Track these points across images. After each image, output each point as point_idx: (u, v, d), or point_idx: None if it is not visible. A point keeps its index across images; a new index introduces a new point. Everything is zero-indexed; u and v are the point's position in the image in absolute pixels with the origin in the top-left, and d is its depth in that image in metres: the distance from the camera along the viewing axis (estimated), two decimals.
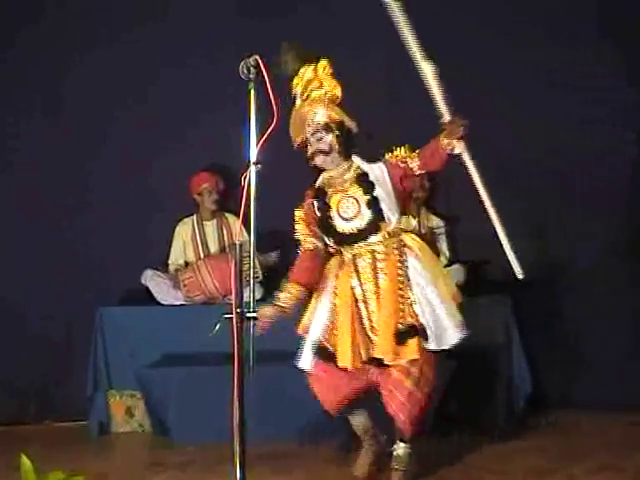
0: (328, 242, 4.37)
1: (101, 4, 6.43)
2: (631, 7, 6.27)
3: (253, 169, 3.26)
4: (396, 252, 4.26)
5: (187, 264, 6.23)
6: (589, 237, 6.47)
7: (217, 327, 3.33)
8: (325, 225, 4.33)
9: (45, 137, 6.34)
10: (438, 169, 4.35)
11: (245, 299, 3.20)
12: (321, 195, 4.36)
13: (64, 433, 5.90)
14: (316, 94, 4.31)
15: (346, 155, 4.36)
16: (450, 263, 6.39)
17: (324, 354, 4.26)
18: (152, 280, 6.10)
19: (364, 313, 4.25)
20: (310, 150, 4.35)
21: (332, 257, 4.42)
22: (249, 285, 3.27)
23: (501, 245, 4.17)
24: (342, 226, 4.30)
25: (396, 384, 4.19)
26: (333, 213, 4.31)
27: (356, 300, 4.26)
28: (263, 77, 3.25)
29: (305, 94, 4.32)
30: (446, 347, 4.28)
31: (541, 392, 6.14)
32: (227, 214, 6.35)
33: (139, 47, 6.36)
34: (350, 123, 4.32)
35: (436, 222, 6.47)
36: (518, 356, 6.01)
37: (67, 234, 6.30)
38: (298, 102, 4.36)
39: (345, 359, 4.20)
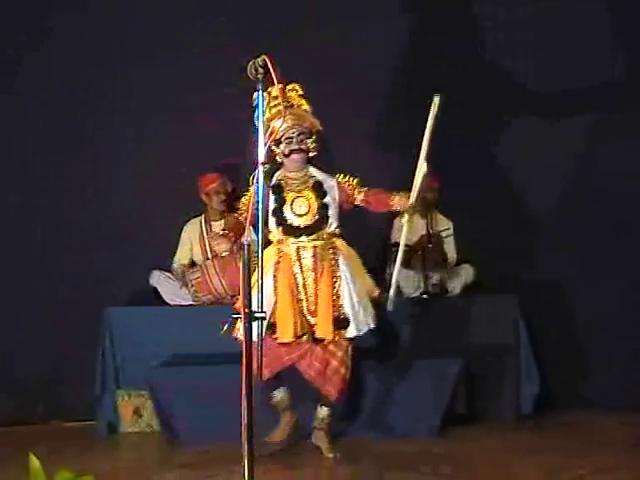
0: (275, 231, 4.99)
1: None
2: None
3: (261, 169, 3.25)
4: (330, 251, 4.99)
5: (194, 264, 6.24)
6: (599, 236, 6.47)
7: (226, 327, 3.34)
8: (278, 215, 4.98)
9: (55, 136, 6.34)
10: (374, 212, 5.21)
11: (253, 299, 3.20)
12: (278, 191, 5.01)
13: (72, 433, 5.90)
14: (303, 107, 5.04)
15: (305, 164, 5.08)
16: (458, 263, 6.39)
17: (268, 327, 4.73)
18: (160, 280, 6.11)
19: (302, 296, 4.94)
20: (289, 148, 4.99)
21: (268, 249, 5.02)
22: (257, 285, 3.26)
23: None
24: (292, 219, 4.98)
25: (325, 363, 4.94)
26: (286, 207, 4.99)
27: (297, 285, 4.94)
28: (271, 77, 3.24)
29: (283, 105, 4.96)
30: (359, 334, 4.98)
31: (549, 391, 6.13)
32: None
33: (145, 45, 6.38)
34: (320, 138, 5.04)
35: (444, 223, 6.47)
36: (526, 355, 6.00)
37: (75, 234, 6.30)
38: (274, 111, 4.93)
39: (287, 333, 4.85)
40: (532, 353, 6.01)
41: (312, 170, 5.06)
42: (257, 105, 3.34)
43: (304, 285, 4.94)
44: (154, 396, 5.65)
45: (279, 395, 5.12)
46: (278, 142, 4.97)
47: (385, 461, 4.91)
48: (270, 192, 4.98)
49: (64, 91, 6.34)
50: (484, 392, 5.87)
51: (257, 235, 3.27)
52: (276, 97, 4.90)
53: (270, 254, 4.99)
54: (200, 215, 6.35)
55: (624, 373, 6.31)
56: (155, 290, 6.11)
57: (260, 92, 3.27)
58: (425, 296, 6.20)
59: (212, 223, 6.32)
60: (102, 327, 5.84)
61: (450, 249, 6.43)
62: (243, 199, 5.10)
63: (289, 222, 4.96)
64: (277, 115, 4.88)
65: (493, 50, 6.67)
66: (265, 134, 4.71)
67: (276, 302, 4.88)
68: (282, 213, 4.97)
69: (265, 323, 4.54)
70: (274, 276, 4.94)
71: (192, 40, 6.40)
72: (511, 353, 5.99)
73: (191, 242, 6.31)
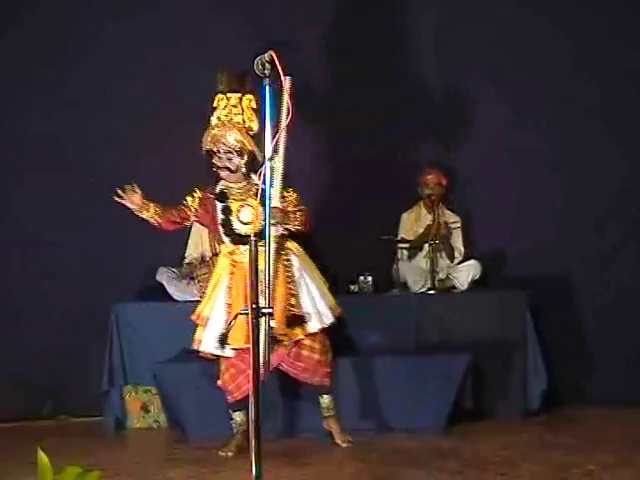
0: (225, 241, 5.06)
1: None
2: None
3: (268, 164, 3.25)
4: (282, 252, 5.00)
5: (203, 258, 6.22)
6: (606, 232, 6.47)
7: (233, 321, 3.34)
8: (226, 226, 5.03)
9: (67, 131, 6.35)
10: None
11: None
12: (223, 199, 5.05)
13: (80, 429, 5.91)
14: (237, 120, 5.00)
15: (247, 175, 5.05)
16: (465, 258, 6.38)
17: (224, 340, 4.85)
18: (166, 277, 6.11)
19: None
20: (219, 164, 5.02)
21: (220, 259, 5.14)
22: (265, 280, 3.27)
23: None
24: (240, 228, 4.99)
25: (307, 359, 5.03)
26: (233, 217, 5.02)
27: None
28: (278, 73, 3.24)
29: (228, 116, 5.00)
30: (326, 325, 5.05)
31: (556, 388, 6.12)
32: None
33: (148, 43, 6.40)
34: (258, 153, 4.95)
35: (452, 218, 6.47)
36: (534, 352, 5.99)
37: (83, 230, 6.31)
38: (216, 119, 5.01)
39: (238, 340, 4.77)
40: (540, 349, 5.99)
41: (255, 178, 5.04)
42: (264, 100, 3.33)
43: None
44: (161, 392, 5.67)
45: (239, 418, 5.11)
46: (215, 152, 5.02)
47: (391, 457, 4.91)
48: (217, 203, 5.04)
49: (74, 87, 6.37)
50: (491, 388, 5.86)
51: (266, 230, 3.28)
52: (235, 106, 4.99)
53: (223, 265, 5.06)
54: None
55: (632, 370, 6.30)
56: (162, 286, 6.11)
57: (267, 88, 3.27)
58: (432, 291, 6.20)
59: None
60: (109, 323, 5.85)
61: (458, 242, 6.43)
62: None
63: (237, 232, 5.01)
64: (220, 126, 4.98)
65: None
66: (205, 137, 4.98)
67: (232, 312, 4.84)
68: (230, 224, 5.02)
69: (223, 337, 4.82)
70: (228, 287, 4.97)
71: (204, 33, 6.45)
72: (518, 349, 5.97)
73: (201, 236, 6.28)
